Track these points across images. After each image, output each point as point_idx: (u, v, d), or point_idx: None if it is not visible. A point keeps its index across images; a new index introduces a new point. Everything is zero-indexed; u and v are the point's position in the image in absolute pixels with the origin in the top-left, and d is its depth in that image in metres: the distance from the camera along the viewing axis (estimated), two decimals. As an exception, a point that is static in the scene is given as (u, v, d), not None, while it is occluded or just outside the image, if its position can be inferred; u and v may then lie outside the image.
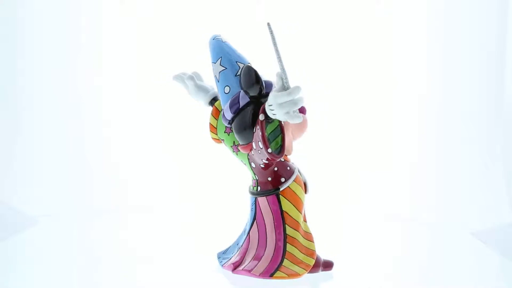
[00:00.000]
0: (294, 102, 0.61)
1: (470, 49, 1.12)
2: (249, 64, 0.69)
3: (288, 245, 0.68)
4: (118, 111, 1.20)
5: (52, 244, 0.89)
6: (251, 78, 0.67)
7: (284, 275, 0.68)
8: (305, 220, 0.71)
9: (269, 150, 0.65)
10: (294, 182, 0.69)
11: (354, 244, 0.89)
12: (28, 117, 1.14)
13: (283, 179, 0.69)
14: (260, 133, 0.65)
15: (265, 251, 0.69)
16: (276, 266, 0.68)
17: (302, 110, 0.68)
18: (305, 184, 0.71)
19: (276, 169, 0.69)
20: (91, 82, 1.18)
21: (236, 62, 0.70)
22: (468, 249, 0.88)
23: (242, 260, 0.71)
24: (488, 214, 1.01)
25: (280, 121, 0.66)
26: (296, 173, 0.70)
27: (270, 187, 0.69)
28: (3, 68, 1.12)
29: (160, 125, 1.22)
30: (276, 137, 0.66)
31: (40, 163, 1.14)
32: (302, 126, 0.68)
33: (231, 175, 1.02)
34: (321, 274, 0.71)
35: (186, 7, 1.20)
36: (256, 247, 0.70)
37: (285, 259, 0.68)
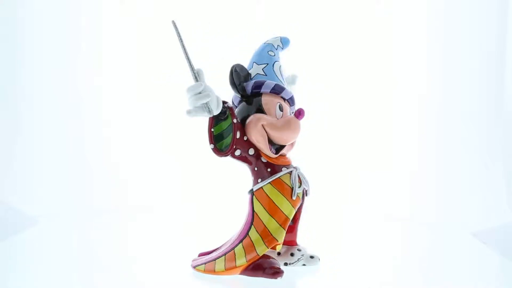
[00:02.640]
0: (196, 98, 0.63)
1: (470, 49, 1.12)
2: (236, 64, 0.70)
3: (238, 246, 0.68)
4: (118, 111, 1.20)
5: (52, 244, 0.89)
6: (230, 79, 0.69)
7: (202, 269, 0.69)
8: (283, 226, 0.67)
9: (211, 146, 0.67)
10: (269, 184, 0.68)
11: (354, 244, 0.89)
12: (28, 117, 1.14)
13: (259, 180, 0.69)
14: (208, 128, 0.67)
15: (224, 248, 0.71)
16: (207, 261, 0.70)
17: (298, 114, 0.67)
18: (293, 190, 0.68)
19: (256, 169, 0.70)
20: (91, 82, 1.18)
21: (253, 62, 0.72)
22: (468, 249, 0.88)
23: (210, 252, 0.73)
24: (488, 214, 1.01)
25: (232, 121, 0.66)
26: (275, 177, 0.68)
27: (251, 186, 0.70)
28: (3, 68, 1.12)
29: (160, 125, 1.22)
30: (228, 135, 0.67)
31: (40, 163, 1.14)
32: (286, 128, 0.67)
33: (232, 176, 1.02)
34: (321, 274, 0.71)
35: (186, 7, 1.20)
36: (225, 243, 0.72)
37: (223, 257, 0.69)
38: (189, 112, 0.64)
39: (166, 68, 1.20)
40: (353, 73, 1.22)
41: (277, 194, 0.68)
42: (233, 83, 0.69)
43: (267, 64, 0.71)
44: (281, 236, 0.68)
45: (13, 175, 1.10)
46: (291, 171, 0.69)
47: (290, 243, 0.73)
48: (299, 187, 0.69)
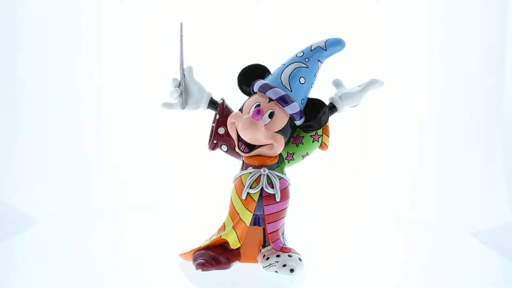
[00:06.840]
0: (170, 92, 0.72)
1: (470, 50, 1.12)
2: (241, 70, 0.72)
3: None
4: (118, 111, 1.20)
5: (52, 244, 0.89)
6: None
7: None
8: (233, 223, 0.69)
9: (208, 140, 0.72)
10: (235, 180, 0.71)
11: (354, 245, 0.89)
12: (28, 117, 1.14)
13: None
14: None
15: None
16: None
17: (255, 113, 0.65)
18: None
19: (240, 164, 0.72)
20: (91, 82, 1.17)
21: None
22: (468, 249, 0.89)
23: None
24: (488, 214, 1.01)
25: (215, 118, 0.71)
26: (238, 175, 0.70)
27: None
28: (3, 68, 1.11)
29: (161, 125, 1.22)
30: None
31: (40, 163, 1.14)
32: (240, 126, 0.66)
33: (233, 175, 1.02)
34: (322, 274, 0.71)
35: (187, 7, 1.20)
36: None
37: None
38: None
39: (166, 68, 1.20)
40: (352, 74, 1.22)
41: (234, 191, 0.70)
42: (240, 87, 0.72)
43: (283, 64, 0.71)
44: (227, 234, 0.69)
45: (13, 175, 1.10)
46: (252, 172, 0.69)
47: (274, 247, 0.70)
48: (253, 187, 0.68)
